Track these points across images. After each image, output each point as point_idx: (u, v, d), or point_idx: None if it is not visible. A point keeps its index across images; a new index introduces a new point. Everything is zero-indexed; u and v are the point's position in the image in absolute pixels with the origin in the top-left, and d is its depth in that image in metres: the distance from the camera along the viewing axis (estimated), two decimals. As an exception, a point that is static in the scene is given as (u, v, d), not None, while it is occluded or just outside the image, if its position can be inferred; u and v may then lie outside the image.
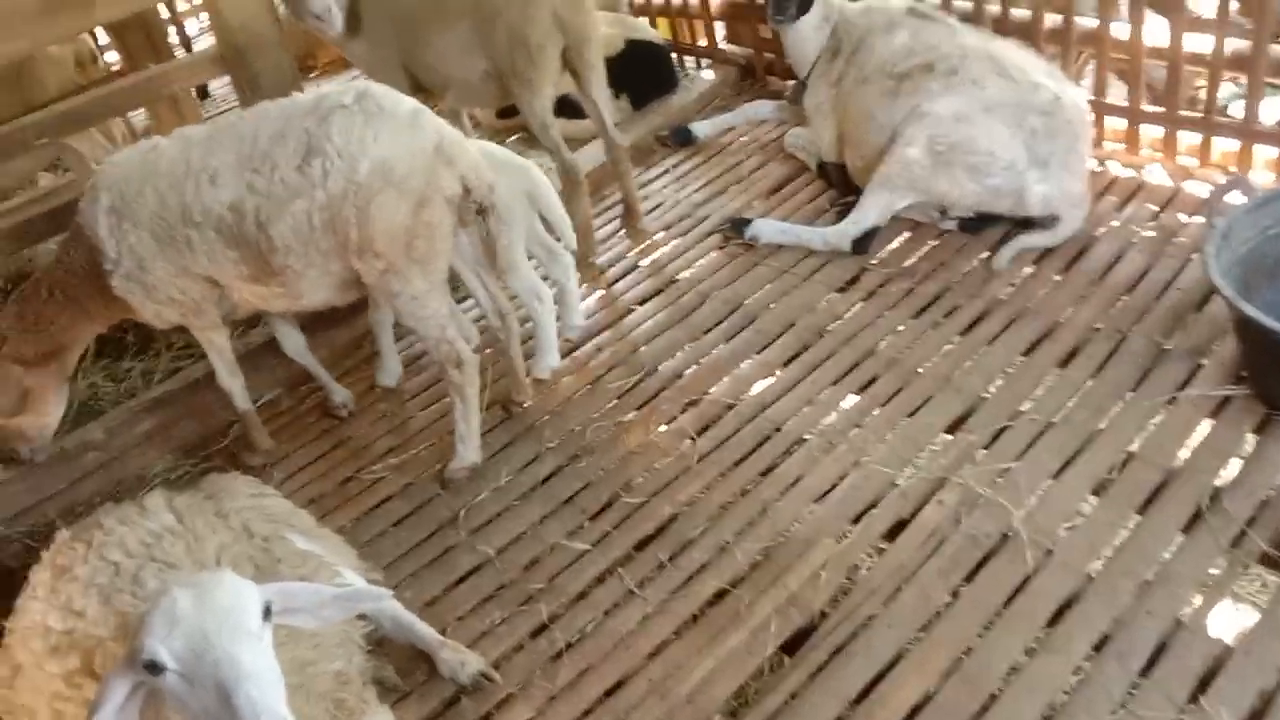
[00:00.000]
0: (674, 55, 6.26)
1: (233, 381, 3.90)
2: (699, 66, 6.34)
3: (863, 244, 4.47)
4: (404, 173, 3.25)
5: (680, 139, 5.69)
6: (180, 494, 2.77)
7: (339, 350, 4.49)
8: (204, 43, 7.07)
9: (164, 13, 7.15)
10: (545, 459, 3.79)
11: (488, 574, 3.38)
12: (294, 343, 4.13)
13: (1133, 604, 2.79)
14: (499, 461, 3.82)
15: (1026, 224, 4.33)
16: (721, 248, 4.78)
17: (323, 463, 4.08)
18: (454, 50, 4.45)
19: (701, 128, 5.72)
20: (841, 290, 4.33)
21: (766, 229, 4.70)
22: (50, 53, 4.74)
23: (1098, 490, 3.19)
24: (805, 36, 4.86)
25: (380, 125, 3.26)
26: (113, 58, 6.03)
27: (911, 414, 3.63)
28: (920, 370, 3.79)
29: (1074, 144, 4.23)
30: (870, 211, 4.46)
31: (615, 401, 4.01)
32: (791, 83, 5.88)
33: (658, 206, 5.25)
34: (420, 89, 4.72)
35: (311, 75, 8.09)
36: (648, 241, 4.98)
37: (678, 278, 4.66)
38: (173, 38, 7.36)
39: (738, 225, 4.75)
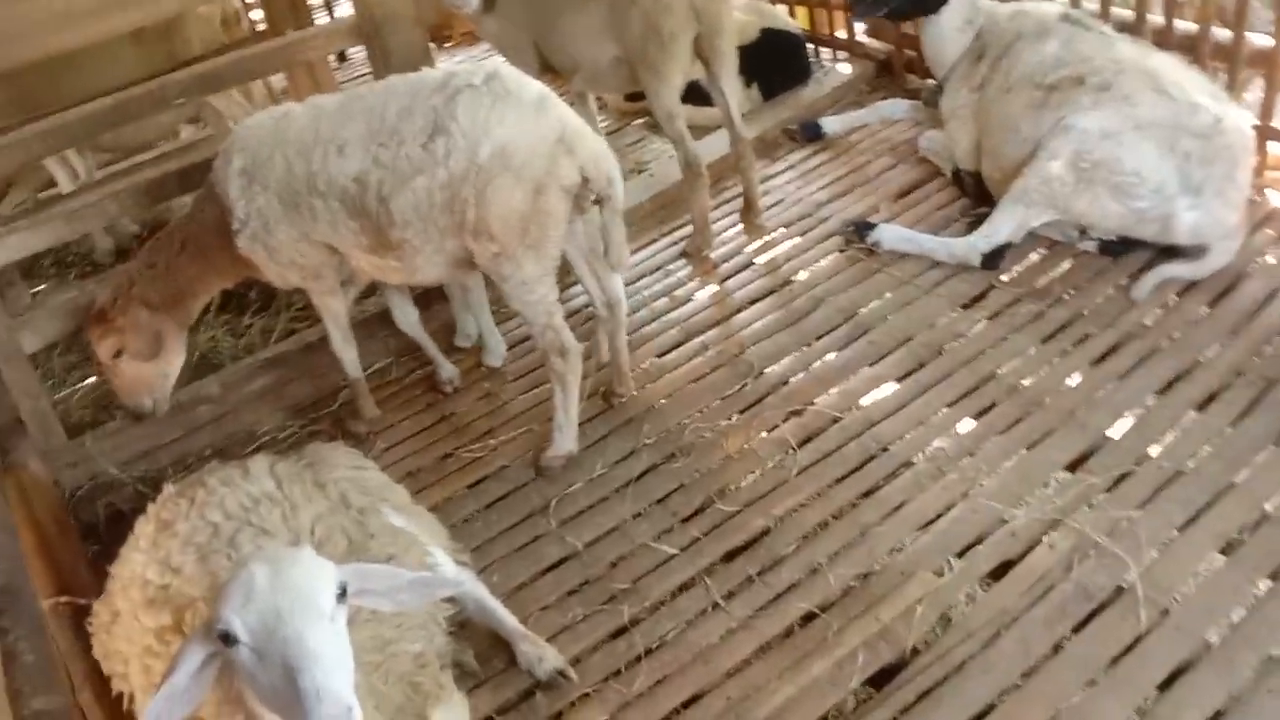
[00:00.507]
0: (810, 46, 6.07)
1: (345, 348, 3.96)
2: (835, 59, 6.14)
3: (993, 260, 4.26)
4: (524, 158, 3.22)
5: (809, 134, 5.53)
6: (282, 460, 2.82)
7: (450, 326, 4.51)
8: (345, 9, 7.16)
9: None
10: (641, 455, 3.74)
11: (573, 567, 3.35)
12: (407, 315, 4.16)
13: (1253, 680, 2.59)
14: (594, 453, 3.78)
15: (1172, 252, 4.06)
16: (842, 251, 4.62)
17: (424, 436, 4.10)
18: (585, 33, 4.40)
19: (831, 123, 5.54)
20: (965, 307, 4.14)
21: (890, 235, 4.52)
22: (197, 11, 4.86)
23: (1225, 550, 2.97)
24: (945, 36, 4.66)
25: (505, 109, 3.24)
26: (257, 15, 6.16)
27: (1030, 447, 3.44)
28: (1043, 401, 3.59)
29: (1232, 171, 3.93)
30: (1003, 226, 4.24)
31: (717, 402, 3.92)
32: (930, 82, 5.66)
33: (778, 203, 5.11)
34: (549, 70, 4.69)
35: (446, 46, 8.17)
36: (765, 239, 4.86)
37: (793, 279, 4.53)
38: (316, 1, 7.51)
39: (860, 229, 4.59)
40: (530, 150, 3.24)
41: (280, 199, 3.46)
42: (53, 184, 5.43)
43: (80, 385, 4.78)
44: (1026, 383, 3.69)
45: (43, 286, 5.48)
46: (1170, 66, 4.12)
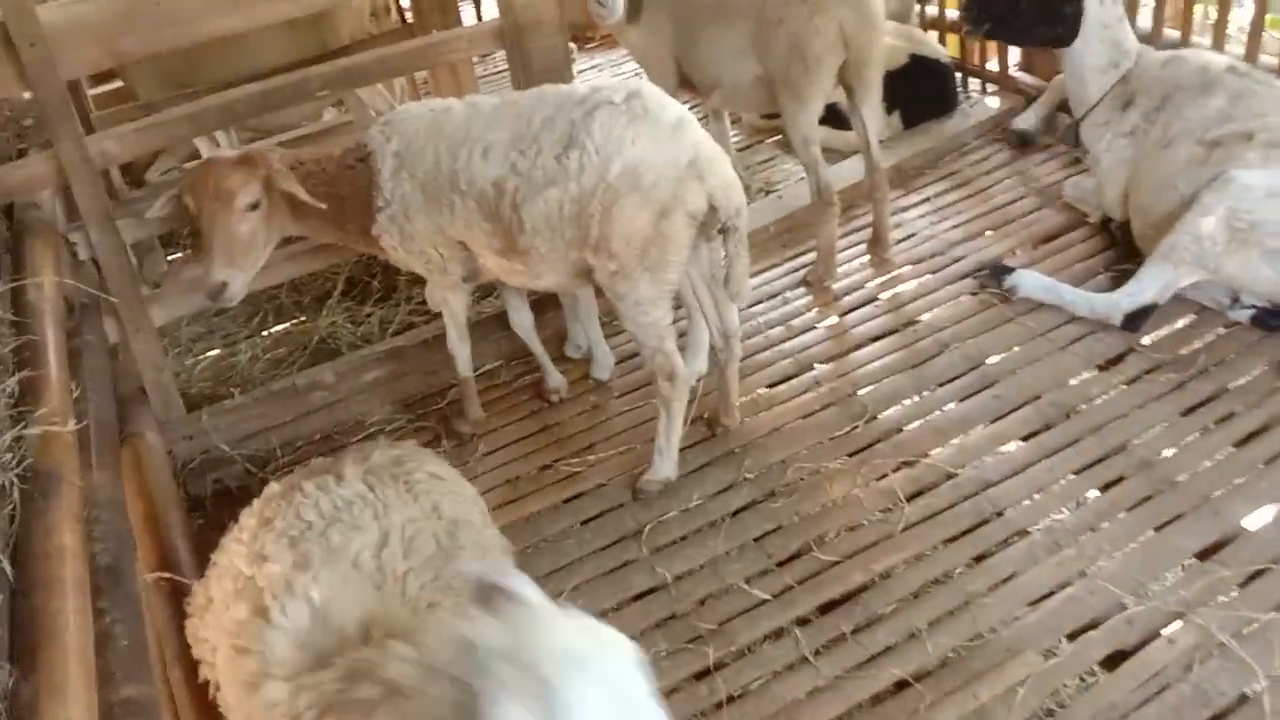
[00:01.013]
0: (958, 76, 5.85)
1: (460, 346, 3.97)
2: (984, 91, 5.89)
3: (1135, 320, 4.01)
4: (652, 181, 3.18)
5: (997, 275, 4.43)
6: (377, 462, 2.82)
7: (563, 335, 4.48)
8: (492, 11, 7.22)
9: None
10: (740, 489, 3.64)
11: (660, 600, 3.28)
12: (522, 319, 4.15)
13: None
14: (692, 482, 3.69)
15: (1336, 332, 3.75)
16: (973, 294, 4.42)
17: (525, 444, 4.08)
18: (729, 51, 4.33)
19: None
20: (1101, 369, 3.90)
21: (1028, 282, 4.29)
22: (350, 2, 4.95)
23: (1371, 670, 2.71)
24: (1086, 76, 4.43)
25: (641, 129, 3.21)
26: (406, 1, 6.24)
27: (1157, 529, 3.22)
28: (1177, 480, 3.36)
29: None
30: (1149, 284, 3.99)
31: (825, 442, 3.79)
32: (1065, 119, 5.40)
33: (909, 237, 4.92)
34: (686, 85, 4.62)
35: (588, 46, 8.19)
36: (892, 274, 4.68)
37: (917, 320, 4.35)
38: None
39: (996, 273, 4.38)
40: (659, 173, 3.20)
41: (424, 190, 3.50)
42: (197, 155, 5.62)
43: (204, 356, 4.91)
44: (1160, 458, 3.46)
45: (178, 255, 5.66)
46: None
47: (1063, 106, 5.14)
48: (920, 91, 5.57)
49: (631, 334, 3.57)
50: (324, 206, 3.56)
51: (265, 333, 5.03)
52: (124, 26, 3.39)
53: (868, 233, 4.84)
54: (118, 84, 5.60)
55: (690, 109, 3.45)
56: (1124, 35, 4.38)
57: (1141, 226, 4.26)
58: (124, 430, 3.58)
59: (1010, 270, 4.36)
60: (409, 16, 5.76)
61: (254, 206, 3.50)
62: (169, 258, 5.56)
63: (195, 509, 3.94)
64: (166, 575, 2.96)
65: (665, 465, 3.66)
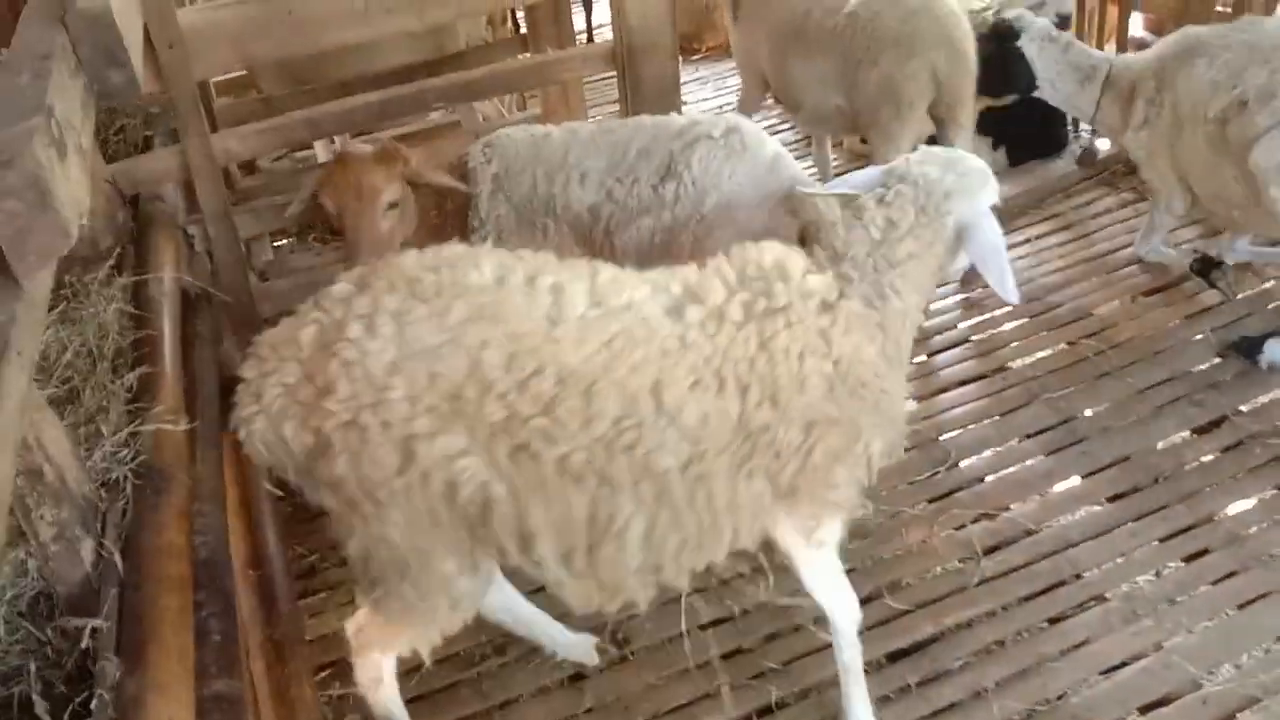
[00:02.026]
0: (1069, 115, 5.72)
1: None
2: (1094, 134, 5.76)
3: None
4: (746, 216, 3.19)
5: (1248, 353, 4.15)
6: None
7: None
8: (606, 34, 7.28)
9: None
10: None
11: (727, 632, 3.31)
12: None
13: None
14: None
15: None
16: (1071, 344, 4.34)
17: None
18: (811, 80, 4.38)
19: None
20: (1197, 433, 3.82)
21: None
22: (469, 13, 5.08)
23: None
24: (1068, 100, 4.64)
25: (738, 164, 3.23)
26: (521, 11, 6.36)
27: (1241, 607, 3.15)
28: (1266, 558, 3.28)
29: None
30: None
31: (905, 486, 3.77)
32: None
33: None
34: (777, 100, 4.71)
35: (695, 58, 8.22)
36: (984, 316, 4.63)
37: (1008, 366, 4.30)
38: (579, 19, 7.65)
39: (1248, 349, 4.06)
40: (754, 208, 3.21)
41: (519, 213, 3.54)
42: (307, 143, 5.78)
43: (302, 345, 5.07)
44: (1249, 533, 3.38)
45: (283, 242, 5.85)
46: None
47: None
48: (1028, 130, 5.48)
49: None
50: (451, 203, 3.57)
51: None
52: (257, 33, 3.54)
53: (961, 273, 4.79)
54: (239, 70, 5.81)
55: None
56: (1079, 54, 4.53)
57: (1227, 213, 4.26)
58: (224, 418, 3.73)
59: (1261, 342, 4.06)
60: (523, 25, 5.86)
61: (394, 205, 3.40)
62: (274, 244, 5.76)
63: (282, 498, 4.09)
64: (254, 572, 3.10)
65: None
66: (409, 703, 3.19)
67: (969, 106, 4.38)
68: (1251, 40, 3.98)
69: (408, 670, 3.29)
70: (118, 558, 2.13)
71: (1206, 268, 4.45)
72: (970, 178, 2.59)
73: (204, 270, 4.10)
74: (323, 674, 3.31)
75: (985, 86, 4.52)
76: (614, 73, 4.03)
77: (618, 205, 3.37)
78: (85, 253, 3.30)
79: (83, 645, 1.96)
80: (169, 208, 3.74)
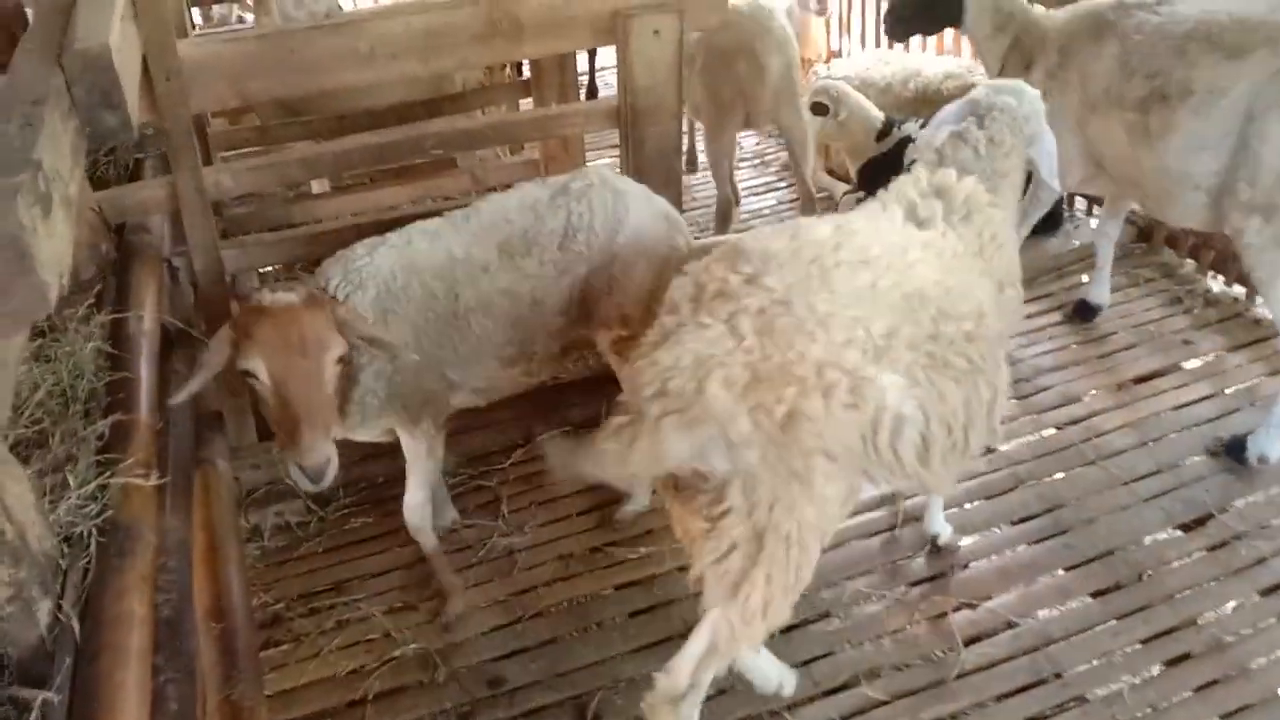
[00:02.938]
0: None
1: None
2: (1089, 213, 5.79)
3: None
4: (653, 238, 3.55)
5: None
6: None
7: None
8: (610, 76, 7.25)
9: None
10: (796, 604, 3.54)
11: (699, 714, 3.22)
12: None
13: None
14: (749, 589, 3.64)
15: None
16: (1059, 429, 4.31)
17: (580, 520, 4.05)
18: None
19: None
20: (1185, 529, 3.78)
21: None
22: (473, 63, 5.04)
23: None
24: (980, 47, 4.67)
25: (626, 199, 3.55)
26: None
27: (1224, 717, 3.09)
28: (1249, 668, 3.23)
29: None
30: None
31: (887, 566, 3.71)
32: (1190, 261, 5.28)
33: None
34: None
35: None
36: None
37: (994, 449, 4.26)
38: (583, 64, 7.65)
39: (1233, 450, 4.03)
40: (654, 227, 3.56)
41: (421, 323, 3.35)
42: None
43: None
44: (1234, 641, 3.33)
45: (269, 269, 5.76)
46: None
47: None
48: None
49: None
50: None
51: (343, 362, 5.08)
52: (257, 70, 3.47)
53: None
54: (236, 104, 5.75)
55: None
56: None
57: (1139, 199, 4.34)
58: (196, 455, 3.63)
59: (1244, 441, 4.01)
60: (525, 68, 5.84)
61: (342, 360, 2.91)
62: (260, 271, 5.67)
63: (252, 538, 3.99)
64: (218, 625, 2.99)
65: None
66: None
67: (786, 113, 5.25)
68: (1165, 26, 3.88)
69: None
70: (75, 624, 2.04)
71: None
72: (1037, 102, 3.30)
73: (186, 302, 4.02)
74: (281, 732, 3.21)
75: (921, 19, 4.79)
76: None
77: (535, 277, 3.40)
78: (65, 282, 3.22)
79: (32, 718, 1.87)
80: (154, 239, 3.66)
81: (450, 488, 4.18)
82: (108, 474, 2.39)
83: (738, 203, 5.99)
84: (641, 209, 3.55)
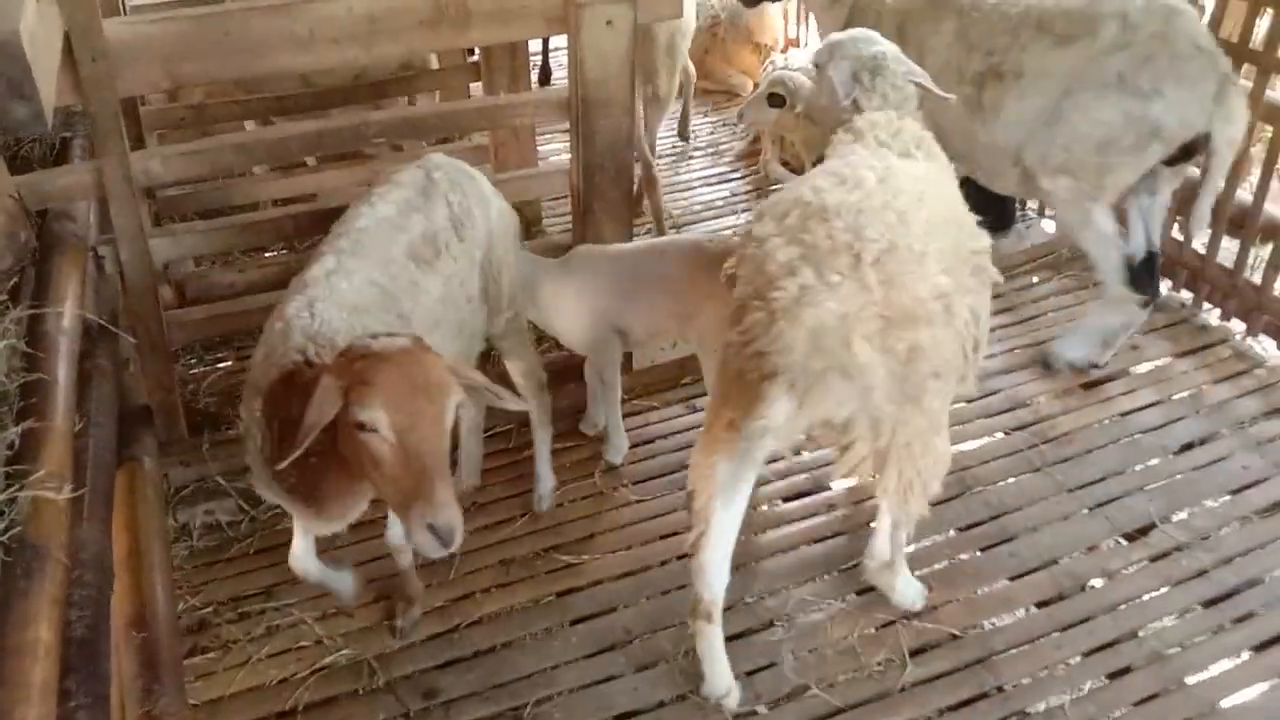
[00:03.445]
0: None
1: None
2: (1040, 214, 5.78)
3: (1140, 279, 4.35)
4: (500, 213, 3.56)
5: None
6: None
7: (580, 409, 4.38)
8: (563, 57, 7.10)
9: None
10: (738, 613, 3.50)
11: (640, 725, 3.17)
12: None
13: None
14: (687, 597, 3.57)
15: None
16: (1006, 434, 4.31)
17: (524, 523, 3.96)
18: None
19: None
20: (1128, 538, 3.79)
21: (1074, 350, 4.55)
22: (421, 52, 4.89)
23: None
24: (816, 17, 4.87)
25: (472, 180, 3.47)
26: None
27: (1164, 735, 3.10)
28: (1185, 683, 3.24)
29: None
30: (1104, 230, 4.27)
31: (832, 574, 3.67)
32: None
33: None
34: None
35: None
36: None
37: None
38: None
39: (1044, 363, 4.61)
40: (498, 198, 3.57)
41: None
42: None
43: (216, 367, 4.83)
44: (1172, 653, 3.34)
45: (205, 266, 5.56)
46: None
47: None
48: (974, 205, 5.44)
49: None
50: None
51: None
52: (190, 52, 3.31)
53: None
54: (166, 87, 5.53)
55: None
56: None
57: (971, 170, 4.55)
58: (121, 453, 3.49)
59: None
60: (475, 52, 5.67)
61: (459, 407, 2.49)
62: (195, 258, 5.46)
63: (180, 538, 3.85)
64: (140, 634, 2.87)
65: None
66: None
67: (660, 81, 5.01)
68: (1001, 6, 4.19)
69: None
70: (-26, 655, 1.92)
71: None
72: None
73: (113, 293, 3.86)
74: (207, 746, 3.10)
75: None
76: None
77: (454, 275, 3.23)
78: (-21, 272, 3.05)
79: (-78, 758, 1.75)
80: (79, 227, 3.49)
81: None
82: (16, 486, 2.26)
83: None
84: (483, 185, 3.52)
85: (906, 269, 2.64)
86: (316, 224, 3.92)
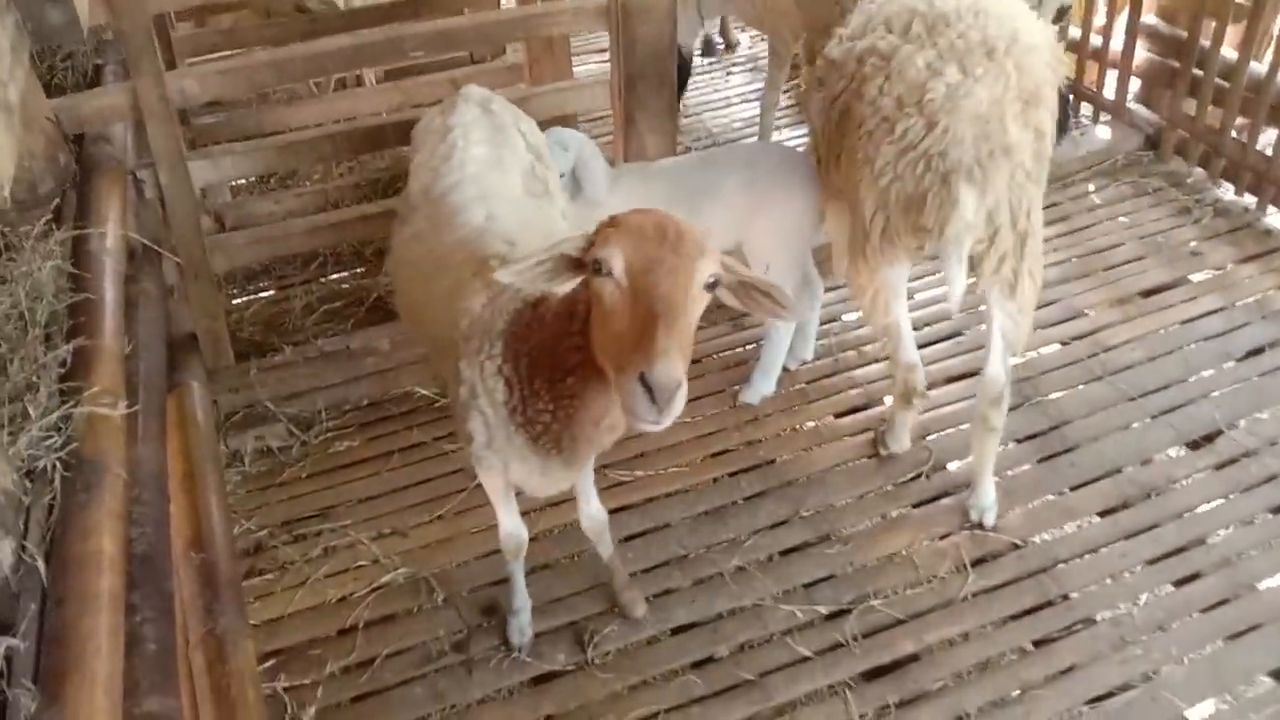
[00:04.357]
0: (1070, 98, 5.52)
1: None
2: (1095, 120, 5.57)
3: None
4: None
5: None
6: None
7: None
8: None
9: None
10: (794, 527, 3.48)
11: (699, 637, 3.15)
12: None
13: None
14: (745, 512, 3.55)
15: None
16: (1064, 345, 4.19)
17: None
18: None
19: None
20: (1193, 446, 3.69)
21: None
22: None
23: None
24: None
25: None
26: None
27: (1231, 638, 3.05)
28: (1258, 587, 3.17)
29: None
30: None
31: (889, 488, 3.61)
32: (1199, 170, 5.10)
33: (1000, 269, 4.65)
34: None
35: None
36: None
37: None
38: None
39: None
40: None
41: None
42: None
43: (258, 296, 4.80)
44: (1243, 559, 3.26)
45: (241, 181, 5.51)
46: None
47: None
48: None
49: None
50: None
51: (322, 280, 4.89)
52: (218, -35, 3.21)
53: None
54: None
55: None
56: None
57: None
58: (172, 380, 3.48)
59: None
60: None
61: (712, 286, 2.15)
62: (232, 184, 5.43)
63: (232, 464, 3.85)
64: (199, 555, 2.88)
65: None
66: (354, 700, 3.03)
67: None
68: None
69: (358, 664, 3.12)
70: (41, 565, 1.90)
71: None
72: None
73: (154, 219, 3.82)
74: (269, 663, 3.12)
75: None
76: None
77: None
78: (22, 196, 3.01)
79: (-3, 665, 1.75)
80: (117, 150, 3.43)
81: (434, 412, 4.03)
82: (71, 403, 2.24)
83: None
84: None
85: (1028, 58, 2.87)
86: (354, 144, 3.87)
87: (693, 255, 2.04)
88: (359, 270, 4.92)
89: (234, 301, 4.75)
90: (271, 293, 4.85)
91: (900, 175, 2.93)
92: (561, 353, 2.27)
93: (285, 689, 3.04)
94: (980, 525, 3.43)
